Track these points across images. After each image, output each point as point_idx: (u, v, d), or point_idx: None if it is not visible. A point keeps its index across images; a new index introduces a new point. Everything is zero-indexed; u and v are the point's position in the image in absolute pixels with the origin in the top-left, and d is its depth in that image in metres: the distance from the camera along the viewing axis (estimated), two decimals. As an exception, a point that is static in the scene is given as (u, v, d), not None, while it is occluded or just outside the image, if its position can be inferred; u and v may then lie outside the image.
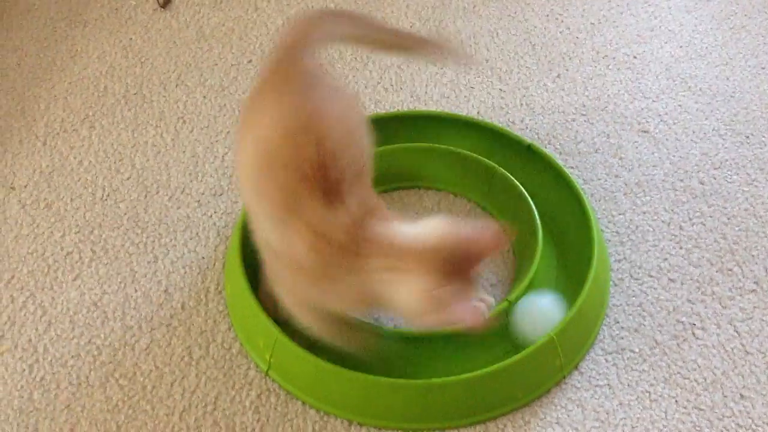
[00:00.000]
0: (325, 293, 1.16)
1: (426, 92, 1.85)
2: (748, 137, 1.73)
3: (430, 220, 1.11)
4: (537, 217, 1.46)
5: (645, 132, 1.75)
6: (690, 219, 1.57)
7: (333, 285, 1.13)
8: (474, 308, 1.05)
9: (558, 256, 1.49)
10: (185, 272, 1.49)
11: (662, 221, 1.57)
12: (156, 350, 1.38)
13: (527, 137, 1.66)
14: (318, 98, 1.20)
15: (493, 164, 1.55)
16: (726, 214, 1.58)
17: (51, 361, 1.36)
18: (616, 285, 1.46)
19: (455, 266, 1.06)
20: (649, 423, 1.28)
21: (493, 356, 1.33)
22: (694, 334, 1.40)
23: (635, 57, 1.94)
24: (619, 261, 1.50)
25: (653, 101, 1.82)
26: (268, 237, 1.20)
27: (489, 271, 1.49)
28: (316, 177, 1.12)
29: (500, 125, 1.70)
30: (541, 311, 1.35)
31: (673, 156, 1.69)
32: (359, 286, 1.11)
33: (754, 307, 1.43)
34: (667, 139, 1.73)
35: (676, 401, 1.31)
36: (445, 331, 1.35)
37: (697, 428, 1.27)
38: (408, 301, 1.07)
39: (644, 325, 1.40)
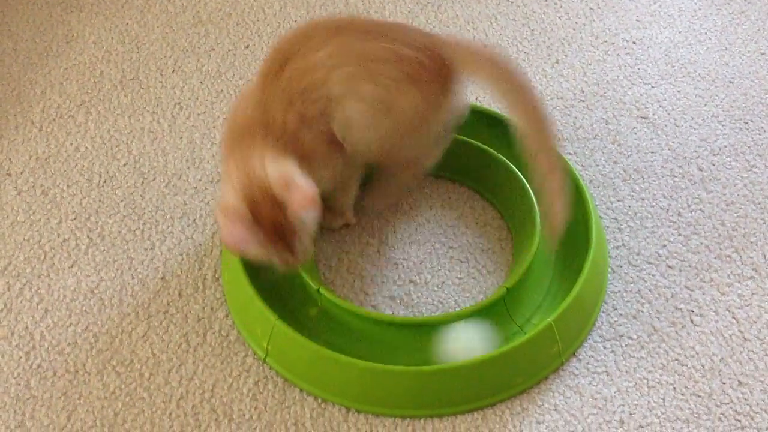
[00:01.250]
0: None
1: (424, 78, 1.84)
2: (747, 123, 1.73)
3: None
4: (535, 203, 1.45)
5: (644, 118, 1.74)
6: (689, 205, 1.57)
7: None
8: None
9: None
10: (182, 259, 1.49)
11: (661, 208, 1.56)
12: (153, 337, 1.37)
13: (525, 123, 1.66)
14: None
15: (491, 150, 1.55)
16: (725, 200, 1.58)
17: (48, 348, 1.36)
18: (614, 271, 1.46)
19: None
20: (647, 410, 1.28)
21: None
22: (692, 320, 1.39)
23: (634, 42, 1.93)
24: (618, 247, 1.50)
25: (652, 87, 1.81)
26: None
27: (487, 258, 1.49)
28: None
29: (499, 111, 1.69)
30: (467, 340, 1.32)
31: (672, 142, 1.69)
32: None
33: (752, 293, 1.43)
34: (666, 125, 1.73)
35: (674, 388, 1.31)
36: (446, 316, 1.35)
37: (695, 415, 1.27)
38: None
39: (642, 312, 1.40)
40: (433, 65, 1.32)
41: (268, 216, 1.21)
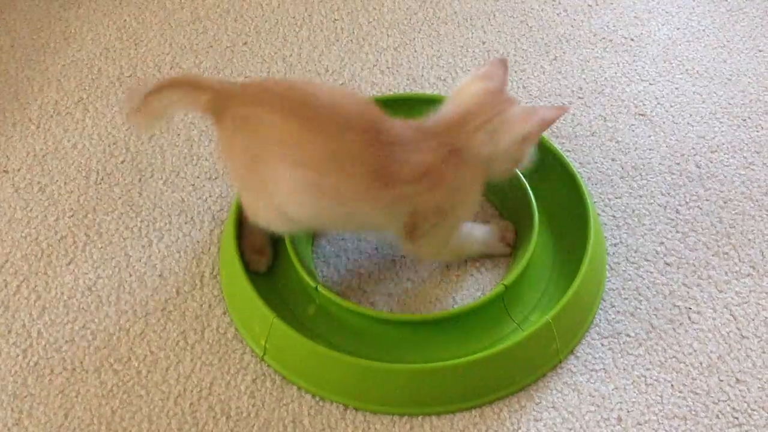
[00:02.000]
0: (467, 207, 1.33)
1: (422, 75, 1.84)
2: (745, 120, 1.73)
3: (463, 88, 1.32)
4: (533, 200, 1.45)
5: (642, 115, 1.74)
6: (686, 203, 1.57)
7: (467, 194, 1.31)
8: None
9: (554, 240, 1.49)
10: (180, 257, 1.49)
11: (659, 205, 1.56)
12: (151, 335, 1.37)
13: (524, 120, 1.66)
14: (313, 107, 1.24)
15: (490, 148, 1.54)
16: (722, 197, 1.58)
17: (45, 345, 1.36)
18: (612, 269, 1.46)
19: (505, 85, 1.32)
20: (645, 407, 1.28)
21: (492, 339, 1.33)
22: (690, 318, 1.39)
23: (632, 39, 1.93)
24: (616, 245, 1.50)
25: (650, 84, 1.81)
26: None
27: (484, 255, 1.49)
28: (375, 153, 1.22)
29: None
30: None
31: (670, 139, 1.69)
32: (480, 170, 1.29)
33: (750, 291, 1.43)
34: (663, 123, 1.73)
35: (671, 385, 1.31)
36: (445, 313, 1.35)
37: (693, 412, 1.28)
38: (523, 126, 1.27)
39: (640, 309, 1.40)
40: None
41: None
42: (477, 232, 1.45)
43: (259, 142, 1.24)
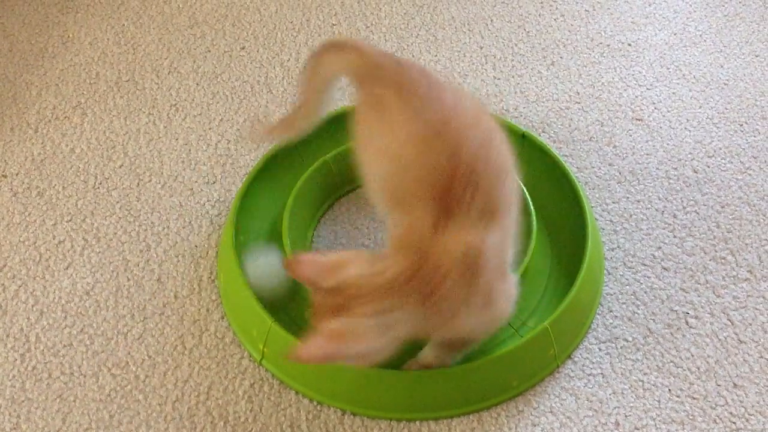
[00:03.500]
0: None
1: (420, 79, 1.84)
2: (741, 125, 1.73)
3: None
4: (531, 205, 1.45)
5: (639, 120, 1.74)
6: (684, 207, 1.57)
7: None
8: None
9: (552, 245, 1.49)
10: (178, 261, 1.49)
11: (656, 210, 1.57)
12: (149, 339, 1.37)
13: (521, 125, 1.66)
14: (449, 102, 1.19)
15: (487, 152, 1.54)
16: (720, 202, 1.58)
17: (43, 350, 1.36)
18: (609, 274, 1.46)
19: None
20: (642, 412, 1.28)
21: (489, 345, 1.33)
22: (687, 323, 1.40)
23: (629, 44, 1.94)
24: (613, 249, 1.50)
25: (647, 89, 1.82)
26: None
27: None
28: (439, 187, 1.11)
29: (494, 113, 1.69)
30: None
31: (667, 144, 1.69)
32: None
33: (748, 295, 1.44)
34: (661, 128, 1.73)
35: (669, 390, 1.31)
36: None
37: (690, 417, 1.28)
38: None
39: (638, 314, 1.41)
40: None
41: None
42: None
43: (379, 124, 1.21)
